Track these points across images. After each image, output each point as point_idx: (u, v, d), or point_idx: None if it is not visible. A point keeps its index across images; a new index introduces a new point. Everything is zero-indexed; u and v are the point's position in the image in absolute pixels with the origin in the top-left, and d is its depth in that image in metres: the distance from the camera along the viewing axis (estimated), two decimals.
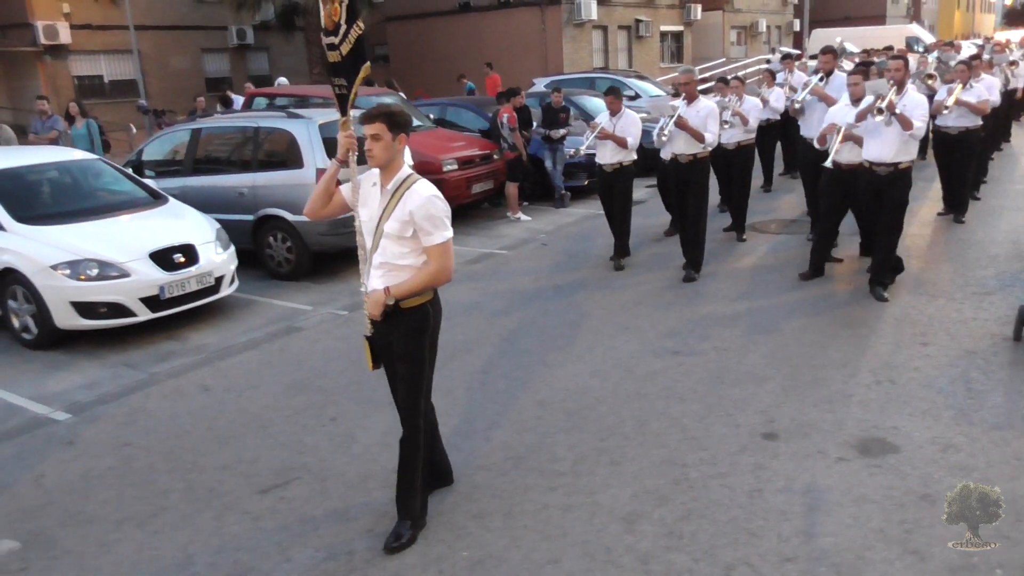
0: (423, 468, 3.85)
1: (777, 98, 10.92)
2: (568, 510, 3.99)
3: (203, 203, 8.21)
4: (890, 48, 15.02)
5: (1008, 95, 12.62)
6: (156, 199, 7.88)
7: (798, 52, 17.64)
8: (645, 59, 28.80)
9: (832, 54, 8.95)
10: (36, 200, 7.48)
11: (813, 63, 12.51)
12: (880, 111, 6.42)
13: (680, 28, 31.11)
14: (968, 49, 17.19)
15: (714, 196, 9.09)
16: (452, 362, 5.81)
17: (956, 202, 9.54)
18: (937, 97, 9.19)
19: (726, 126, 8.95)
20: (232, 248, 7.61)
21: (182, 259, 6.97)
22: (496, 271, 8.69)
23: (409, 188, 3.59)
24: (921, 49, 21.11)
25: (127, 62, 22.42)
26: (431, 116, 12.66)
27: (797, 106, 8.61)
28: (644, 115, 9.12)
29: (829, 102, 7.88)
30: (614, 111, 8.18)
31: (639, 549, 3.65)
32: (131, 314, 6.67)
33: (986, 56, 11.68)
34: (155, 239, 6.99)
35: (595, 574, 3.51)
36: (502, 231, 10.63)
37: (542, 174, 12.01)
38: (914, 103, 6.54)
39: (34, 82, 21.31)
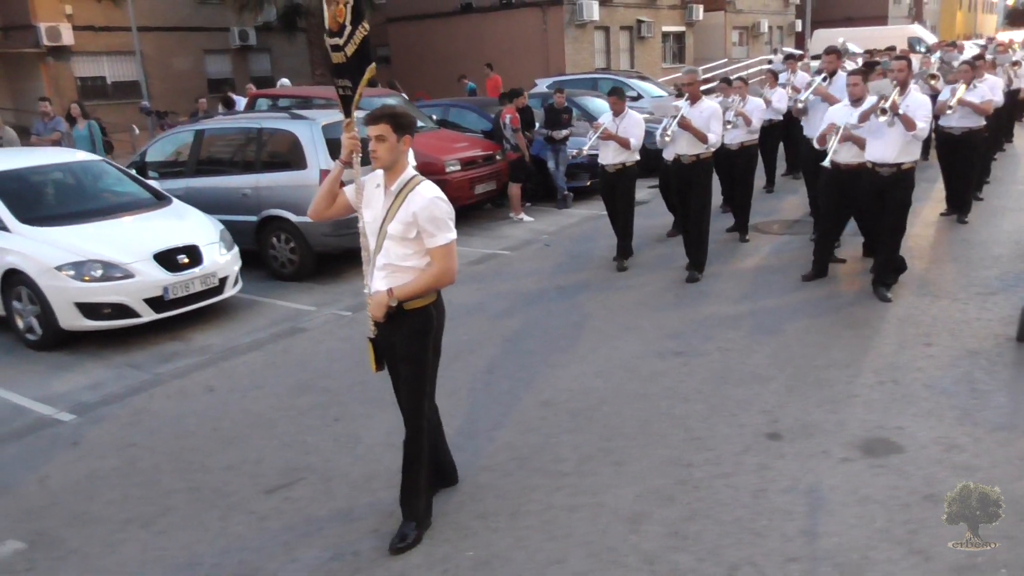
0: (427, 469, 3.86)
1: (780, 98, 10.91)
2: (573, 510, 4.00)
3: (207, 204, 8.22)
4: (892, 48, 14.99)
5: (1011, 95, 12.60)
6: (160, 200, 7.89)
7: (800, 52, 17.64)
8: (647, 60, 28.80)
9: (836, 54, 8.95)
10: (40, 201, 7.49)
11: (816, 63, 12.52)
12: (883, 111, 6.42)
13: (682, 29, 31.11)
14: (971, 49, 17.17)
15: (716, 197, 9.09)
16: (456, 363, 5.82)
17: (959, 202, 9.54)
18: (941, 97, 9.19)
19: (729, 126, 8.95)
20: (236, 249, 7.62)
21: (186, 260, 6.98)
22: (499, 272, 8.70)
23: (413, 190, 3.58)
24: (923, 49, 21.10)
25: (129, 63, 22.43)
26: (434, 117, 12.68)
27: (800, 106, 8.61)
28: (647, 116, 9.12)
29: (832, 102, 7.88)
30: (617, 111, 8.19)
31: (644, 549, 3.66)
32: (135, 315, 6.68)
33: (989, 56, 11.68)
34: (159, 240, 7.00)
35: (600, 574, 3.52)
36: (505, 232, 10.64)
37: (544, 175, 12.01)
38: (917, 103, 6.54)
39: (37, 83, 21.33)
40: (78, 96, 20.02)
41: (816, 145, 7.31)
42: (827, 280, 7.52)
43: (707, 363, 5.75)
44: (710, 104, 7.84)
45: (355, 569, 3.64)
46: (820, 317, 6.58)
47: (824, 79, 8.64)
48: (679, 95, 8.84)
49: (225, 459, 4.74)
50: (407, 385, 3.76)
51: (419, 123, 10.30)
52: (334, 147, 8.15)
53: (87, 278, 6.52)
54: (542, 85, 17.16)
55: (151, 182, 8.52)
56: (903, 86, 6.62)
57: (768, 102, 10.55)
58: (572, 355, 6.06)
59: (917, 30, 31.49)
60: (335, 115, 8.40)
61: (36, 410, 5.61)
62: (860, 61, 12.13)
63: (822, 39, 26.08)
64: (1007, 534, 3.57)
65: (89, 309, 6.55)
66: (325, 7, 3.93)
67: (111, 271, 6.60)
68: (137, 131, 18.94)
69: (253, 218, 8.68)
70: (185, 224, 7.48)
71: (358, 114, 3.99)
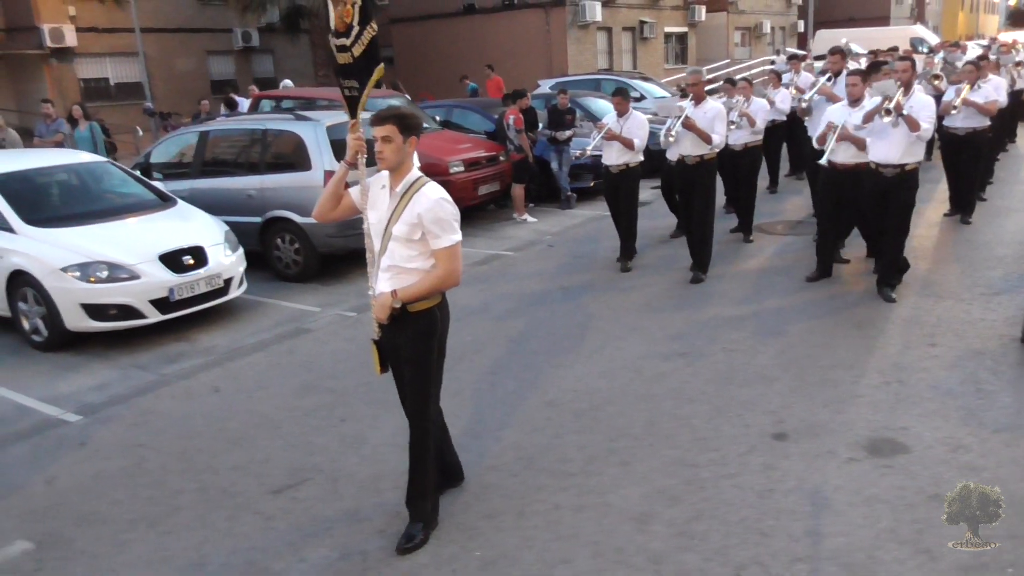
0: (434, 470, 3.87)
1: (783, 99, 10.92)
2: (579, 510, 4.00)
3: (211, 205, 8.24)
4: (895, 49, 15.00)
5: (1015, 96, 12.60)
6: (165, 201, 7.91)
7: (804, 53, 17.63)
8: (649, 60, 28.80)
9: (840, 54, 8.96)
10: (46, 203, 7.51)
11: (819, 64, 12.51)
12: (888, 112, 6.43)
13: (684, 29, 31.11)
14: (974, 50, 17.16)
15: (720, 197, 9.10)
16: (461, 363, 5.83)
17: (963, 203, 9.54)
18: (945, 98, 9.19)
19: (732, 127, 8.95)
20: (241, 250, 7.64)
21: (191, 261, 7.00)
22: (503, 273, 8.71)
23: (418, 191, 3.58)
24: (926, 50, 21.10)
25: (133, 65, 22.48)
26: (437, 118, 12.69)
27: (804, 105, 8.61)
28: (651, 116, 9.13)
29: (836, 102, 7.88)
30: (621, 112, 8.19)
31: (651, 549, 3.67)
32: (141, 316, 6.70)
33: (992, 56, 11.68)
34: (164, 241, 7.02)
35: (607, 574, 3.53)
36: (508, 233, 10.65)
37: (548, 176, 12.02)
38: (921, 104, 6.55)
39: (40, 85, 21.37)
40: (81, 97, 20.06)
41: (816, 145, 7.32)
42: (831, 281, 7.52)
43: (712, 364, 5.75)
44: (714, 105, 7.85)
45: (363, 569, 3.65)
46: (824, 318, 6.58)
47: (829, 79, 8.64)
48: (683, 95, 8.84)
49: (232, 459, 4.75)
50: (412, 387, 3.76)
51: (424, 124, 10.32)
52: (338, 148, 8.17)
53: (93, 279, 6.54)
54: (545, 86, 17.15)
55: (156, 183, 8.54)
56: (907, 87, 6.62)
57: (771, 102, 10.55)
58: (577, 356, 6.07)
59: (919, 30, 31.46)
60: (339, 116, 8.42)
61: (42, 411, 5.62)
62: (863, 62, 12.12)
63: (824, 40, 26.05)
64: (1013, 533, 3.57)
65: (95, 310, 6.57)
66: (331, 8, 3.91)
67: (117, 272, 6.62)
68: (140, 132, 18.96)
69: (257, 219, 8.69)
70: (190, 225, 7.50)
71: (364, 115, 3.99)
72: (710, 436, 4.68)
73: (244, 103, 15.76)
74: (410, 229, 3.56)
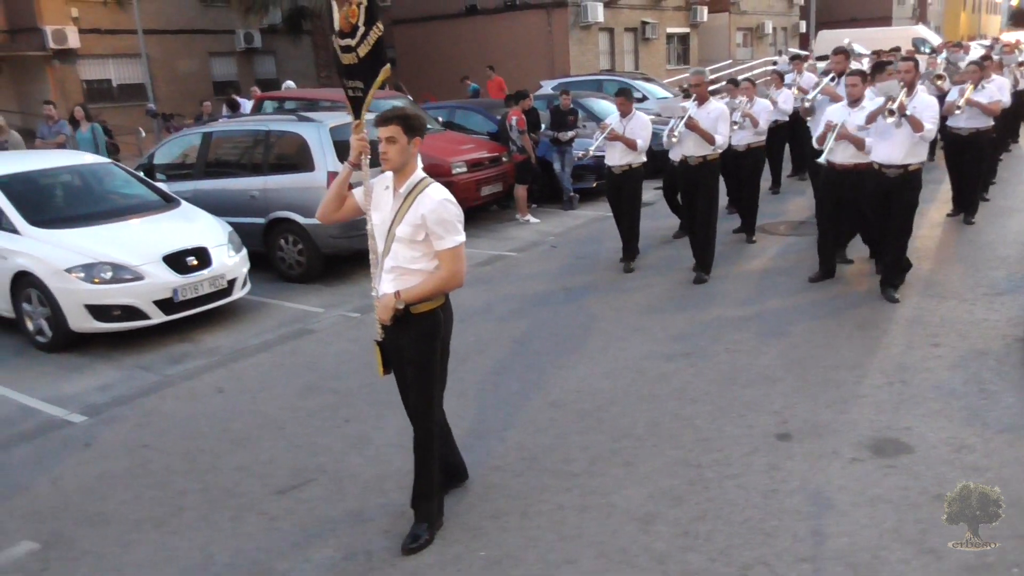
0: (438, 471, 3.87)
1: (785, 99, 10.91)
2: (584, 510, 4.01)
3: (214, 206, 8.25)
4: (897, 49, 14.98)
5: (1018, 96, 12.58)
6: (168, 202, 7.92)
7: (806, 53, 17.63)
8: (651, 61, 28.81)
9: (844, 55, 8.96)
10: (50, 204, 7.52)
11: (821, 64, 12.52)
12: (891, 113, 6.43)
13: (686, 30, 31.12)
14: (976, 50, 17.14)
15: (723, 198, 9.10)
16: (464, 364, 5.83)
17: (966, 203, 9.53)
18: (949, 98, 9.18)
19: (735, 127, 8.96)
20: (244, 251, 7.65)
21: (195, 262, 7.01)
22: (506, 273, 8.71)
23: (422, 192, 3.58)
24: (928, 50, 21.08)
25: (135, 66, 22.50)
26: (440, 119, 12.71)
27: (808, 104, 8.60)
28: (654, 117, 9.14)
29: (839, 102, 7.88)
30: (624, 112, 8.20)
31: (655, 549, 3.67)
32: (145, 317, 6.71)
33: (995, 57, 11.66)
34: (168, 242, 7.03)
35: (611, 574, 3.53)
36: (511, 233, 10.66)
37: (550, 176, 12.03)
38: (924, 104, 6.55)
39: (43, 86, 21.39)
40: (84, 99, 20.07)
41: (816, 145, 7.32)
42: (834, 281, 7.52)
43: (715, 364, 5.76)
44: (717, 105, 7.86)
45: (368, 569, 3.66)
46: (827, 318, 6.58)
47: (832, 79, 8.64)
48: (686, 96, 8.84)
49: (236, 460, 4.76)
50: (415, 389, 3.76)
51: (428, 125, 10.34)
52: (342, 149, 8.17)
53: (97, 280, 6.55)
54: (547, 87, 17.17)
55: (159, 184, 8.56)
56: (910, 87, 6.62)
57: (774, 103, 10.55)
58: (580, 356, 6.07)
59: (921, 31, 31.49)
60: (343, 117, 8.44)
61: (47, 411, 5.63)
62: (866, 62, 12.12)
63: (826, 40, 26.07)
64: (1017, 533, 3.58)
65: (99, 311, 6.58)
66: (336, 8, 3.91)
67: (121, 273, 6.63)
68: (143, 134, 19.00)
69: (261, 220, 8.70)
70: (194, 226, 7.51)
71: (368, 116, 3.99)
72: (713, 436, 4.69)
73: (246, 104, 15.79)
74: (414, 230, 3.56)
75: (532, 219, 11.24)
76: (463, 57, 25.53)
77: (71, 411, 5.61)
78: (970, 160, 9.26)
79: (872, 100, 6.88)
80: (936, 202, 10.46)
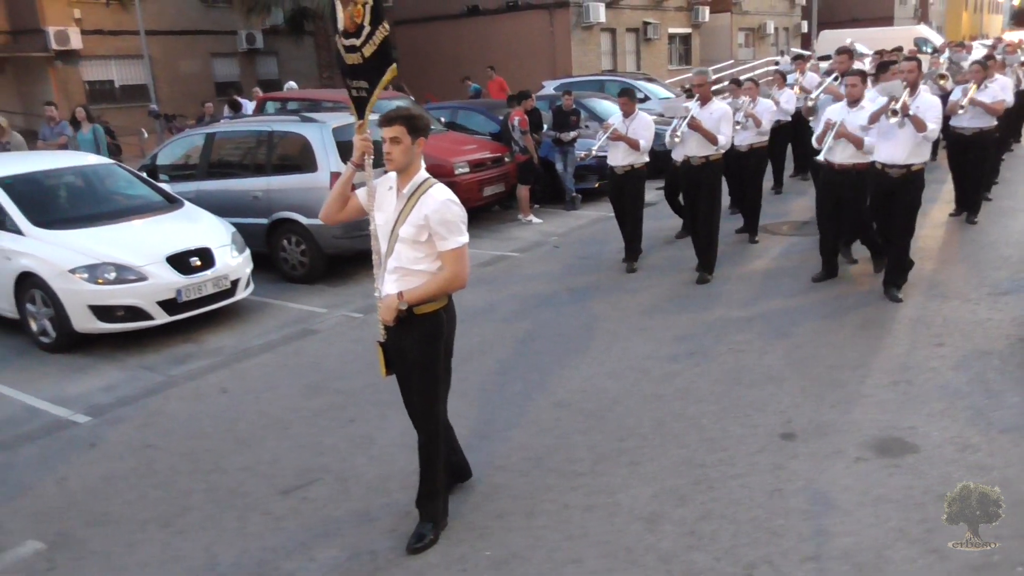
0: (443, 471, 3.88)
1: (788, 99, 10.91)
2: (589, 510, 4.01)
3: (218, 207, 8.27)
4: (899, 49, 14.98)
5: (1020, 95, 12.58)
6: (171, 203, 7.93)
7: (808, 53, 17.64)
8: (653, 61, 28.80)
9: (847, 54, 8.97)
10: (53, 204, 7.53)
11: (824, 64, 12.51)
12: (894, 112, 6.43)
13: (688, 30, 31.10)
14: (979, 50, 17.14)
15: (725, 198, 9.09)
16: (468, 364, 5.83)
17: (969, 203, 9.52)
18: (952, 98, 9.18)
19: (738, 128, 8.95)
20: (247, 251, 7.66)
21: (198, 263, 7.02)
22: (509, 274, 8.72)
23: (425, 192, 3.58)
24: (930, 50, 21.07)
25: (138, 67, 22.54)
26: (442, 120, 12.72)
27: (811, 103, 8.59)
28: (656, 117, 9.14)
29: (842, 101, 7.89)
30: (627, 113, 8.20)
31: (660, 548, 3.67)
32: (148, 317, 6.72)
33: (998, 56, 11.66)
34: (171, 243, 7.04)
35: (617, 573, 3.53)
36: (514, 234, 10.66)
37: (553, 177, 12.03)
38: (927, 104, 6.55)
39: (45, 87, 21.42)
40: (86, 100, 20.11)
41: (815, 144, 7.32)
42: (837, 281, 7.52)
43: (719, 364, 5.76)
44: (720, 105, 7.86)
45: (373, 569, 3.66)
46: (831, 318, 6.58)
47: (836, 79, 8.63)
48: (689, 96, 8.84)
49: (241, 460, 4.77)
50: (418, 390, 3.76)
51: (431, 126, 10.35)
52: (345, 150, 8.18)
53: (101, 281, 6.56)
54: (549, 87, 17.18)
55: (162, 185, 8.57)
56: (913, 87, 6.62)
57: (776, 103, 10.55)
58: (584, 356, 6.08)
59: (923, 31, 31.48)
60: (345, 118, 8.42)
61: (52, 412, 5.64)
62: (867, 62, 12.13)
63: (828, 40, 26.10)
64: (1021, 532, 3.57)
65: (103, 311, 6.60)
66: (340, 7, 3.89)
67: (124, 274, 6.64)
68: (146, 134, 19.03)
69: (264, 221, 8.72)
70: (197, 227, 7.52)
71: (371, 116, 3.99)
72: (718, 436, 4.69)
73: (248, 105, 15.80)
74: (417, 231, 3.55)
75: (534, 219, 11.24)
76: (464, 57, 25.54)
77: (76, 411, 5.61)
78: (973, 160, 9.26)
79: (873, 100, 6.88)
80: (939, 202, 10.46)
